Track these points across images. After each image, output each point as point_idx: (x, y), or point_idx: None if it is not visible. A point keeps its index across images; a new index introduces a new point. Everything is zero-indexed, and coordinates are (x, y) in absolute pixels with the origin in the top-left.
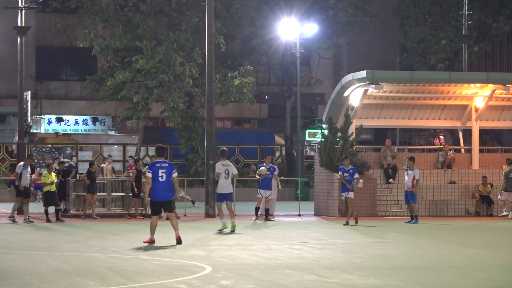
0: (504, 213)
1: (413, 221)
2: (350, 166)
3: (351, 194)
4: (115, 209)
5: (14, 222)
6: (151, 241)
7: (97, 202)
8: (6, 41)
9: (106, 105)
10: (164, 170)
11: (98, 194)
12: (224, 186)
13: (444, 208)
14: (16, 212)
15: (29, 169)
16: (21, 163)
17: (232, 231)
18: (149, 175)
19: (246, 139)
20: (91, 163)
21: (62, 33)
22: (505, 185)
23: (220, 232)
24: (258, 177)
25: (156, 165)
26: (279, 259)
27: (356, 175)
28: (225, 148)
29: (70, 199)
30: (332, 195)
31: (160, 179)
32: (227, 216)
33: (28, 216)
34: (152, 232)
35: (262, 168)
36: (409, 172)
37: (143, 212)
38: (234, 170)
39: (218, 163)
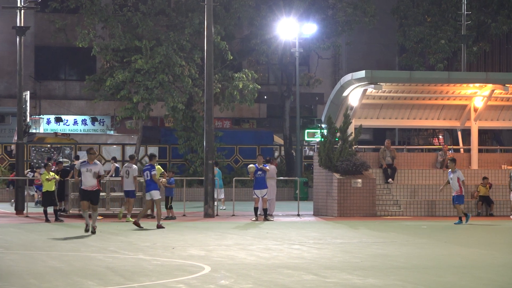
0: None
1: (459, 221)
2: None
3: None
4: (114, 209)
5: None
6: None
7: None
8: (5, 41)
9: (105, 105)
10: None
11: None
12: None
13: (443, 208)
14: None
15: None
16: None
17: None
18: None
19: (245, 139)
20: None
21: (61, 33)
22: None
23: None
24: (251, 177)
25: None
26: (278, 259)
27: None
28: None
29: (69, 199)
30: (331, 195)
31: None
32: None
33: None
34: None
35: (251, 165)
36: (452, 175)
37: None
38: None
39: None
